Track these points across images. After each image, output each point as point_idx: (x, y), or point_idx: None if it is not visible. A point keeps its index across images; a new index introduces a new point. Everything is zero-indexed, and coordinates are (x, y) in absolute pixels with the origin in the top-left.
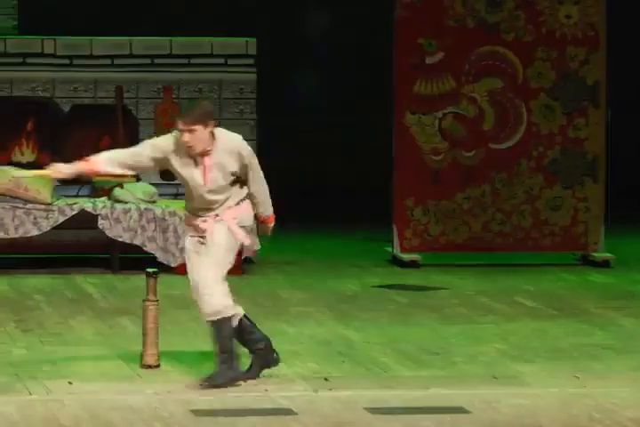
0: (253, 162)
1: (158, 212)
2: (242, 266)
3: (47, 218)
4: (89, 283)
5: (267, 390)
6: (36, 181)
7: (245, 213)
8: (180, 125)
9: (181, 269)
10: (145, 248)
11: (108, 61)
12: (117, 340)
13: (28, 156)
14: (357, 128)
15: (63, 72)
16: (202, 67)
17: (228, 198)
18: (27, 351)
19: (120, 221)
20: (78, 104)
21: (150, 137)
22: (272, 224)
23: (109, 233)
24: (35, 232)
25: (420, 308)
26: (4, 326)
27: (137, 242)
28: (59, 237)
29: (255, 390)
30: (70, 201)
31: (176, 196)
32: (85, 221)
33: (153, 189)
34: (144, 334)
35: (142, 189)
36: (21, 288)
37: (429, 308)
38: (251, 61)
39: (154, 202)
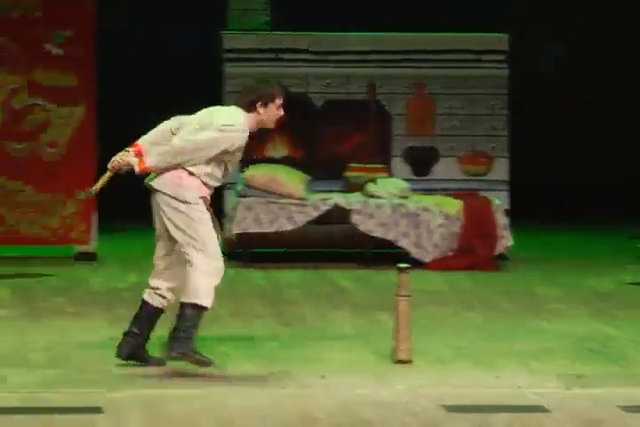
0: None
1: (411, 207)
2: (496, 263)
3: (301, 213)
4: (343, 277)
5: (519, 387)
6: (292, 176)
7: None
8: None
9: (434, 265)
10: (398, 243)
11: (360, 57)
12: (372, 335)
13: (282, 151)
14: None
15: (316, 68)
16: (454, 62)
17: None
18: (281, 345)
19: (373, 216)
20: (331, 99)
21: (403, 133)
22: None
23: (362, 228)
24: (289, 227)
25: None
26: (263, 319)
27: (390, 237)
28: (311, 231)
29: (507, 386)
30: (324, 196)
31: (428, 191)
32: (338, 216)
33: (405, 185)
34: (396, 330)
35: (395, 185)
36: (277, 282)
37: None
38: (502, 57)
39: (406, 197)
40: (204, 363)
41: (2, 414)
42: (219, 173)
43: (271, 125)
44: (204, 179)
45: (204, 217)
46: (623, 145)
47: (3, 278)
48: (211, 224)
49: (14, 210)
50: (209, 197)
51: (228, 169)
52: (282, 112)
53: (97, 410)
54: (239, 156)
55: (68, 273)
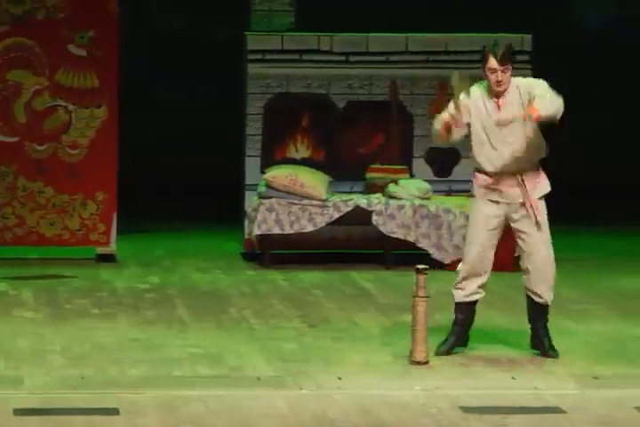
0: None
1: (432, 208)
2: (517, 263)
3: (322, 214)
4: (364, 279)
5: (536, 388)
6: (313, 177)
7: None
8: (496, 65)
9: (455, 266)
10: (418, 245)
11: (383, 58)
12: (394, 336)
13: (303, 152)
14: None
15: (339, 69)
16: (476, 63)
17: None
18: (302, 346)
19: (394, 217)
20: (353, 100)
21: (424, 134)
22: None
23: (383, 229)
24: (310, 228)
25: None
26: (288, 321)
27: (410, 238)
28: (332, 232)
29: (524, 387)
30: (345, 197)
31: (449, 193)
32: (359, 217)
33: (427, 186)
34: (413, 331)
35: (416, 186)
36: (300, 283)
37: None
38: (526, 58)
39: (428, 198)
40: None
41: (20, 415)
42: (485, 153)
43: (496, 89)
44: (479, 164)
45: (475, 216)
46: None
47: (25, 280)
48: (479, 225)
49: (34, 211)
50: (495, 187)
51: (493, 147)
52: (496, 77)
53: (114, 411)
54: (478, 126)
55: (89, 275)
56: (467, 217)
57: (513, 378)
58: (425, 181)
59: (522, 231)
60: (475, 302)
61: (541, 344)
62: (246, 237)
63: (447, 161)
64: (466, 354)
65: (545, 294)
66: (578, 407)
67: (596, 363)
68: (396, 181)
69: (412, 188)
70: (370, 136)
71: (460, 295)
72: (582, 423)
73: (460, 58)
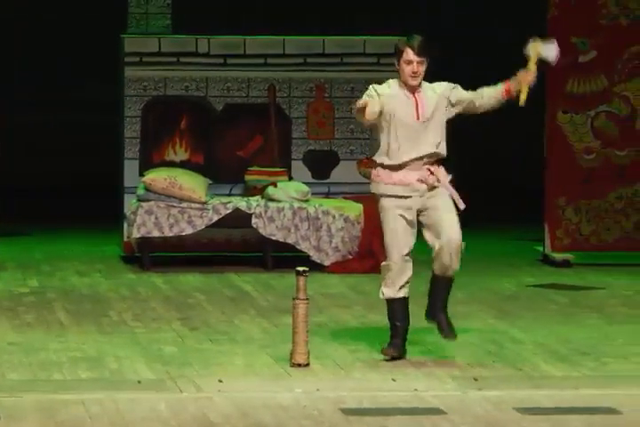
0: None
1: (311, 210)
2: None
3: (201, 217)
4: (244, 281)
5: (416, 390)
6: (192, 180)
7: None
8: (413, 56)
9: (335, 268)
10: (298, 247)
11: (261, 60)
12: (275, 338)
13: (181, 154)
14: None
15: (216, 71)
16: (354, 66)
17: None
18: (182, 349)
19: (274, 219)
20: (231, 103)
21: (303, 136)
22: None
23: (263, 232)
24: (189, 231)
25: (581, 307)
26: (168, 324)
27: (290, 241)
28: (212, 235)
29: (405, 389)
30: (225, 200)
31: (328, 195)
32: (239, 219)
33: (306, 188)
34: (294, 333)
35: (295, 188)
36: (180, 286)
37: (591, 308)
38: None
39: (307, 201)
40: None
41: None
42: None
43: (410, 83)
44: (381, 160)
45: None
46: None
47: None
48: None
49: None
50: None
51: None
52: (412, 68)
53: None
54: (391, 122)
55: None
56: (345, 219)
57: (393, 380)
58: (304, 183)
59: (432, 208)
60: (406, 298)
61: (441, 320)
62: (126, 239)
63: (325, 163)
64: (346, 356)
65: (455, 265)
66: (458, 408)
67: (476, 364)
68: (274, 184)
69: (290, 190)
70: (248, 138)
71: (392, 292)
72: (462, 424)
73: (336, 60)
